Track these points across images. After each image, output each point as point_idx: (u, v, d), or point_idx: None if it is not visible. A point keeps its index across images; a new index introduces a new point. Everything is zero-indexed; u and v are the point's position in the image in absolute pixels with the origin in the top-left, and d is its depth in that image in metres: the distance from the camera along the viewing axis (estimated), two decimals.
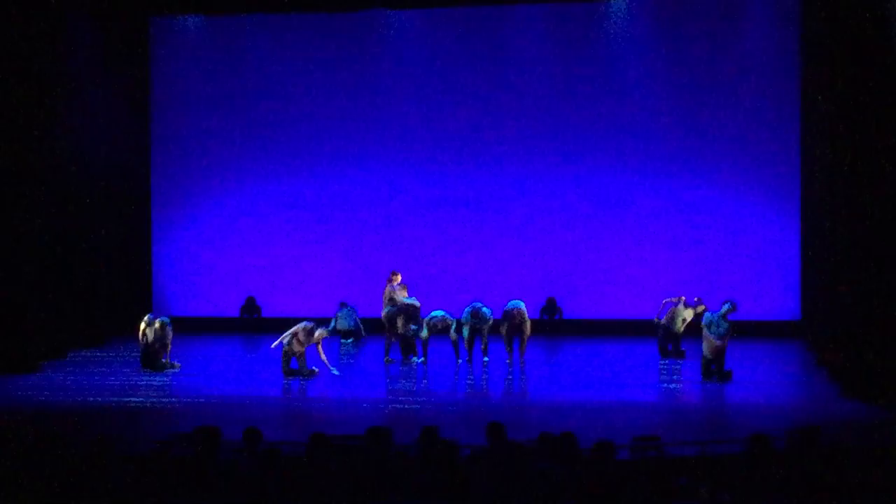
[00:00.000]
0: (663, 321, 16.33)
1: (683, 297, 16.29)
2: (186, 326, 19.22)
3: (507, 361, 16.23)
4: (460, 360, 16.26)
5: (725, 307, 14.75)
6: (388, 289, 16.82)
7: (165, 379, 15.50)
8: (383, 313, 16.62)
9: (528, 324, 16.17)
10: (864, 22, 13.11)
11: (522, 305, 16.18)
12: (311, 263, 20.12)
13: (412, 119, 19.89)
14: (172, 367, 16.09)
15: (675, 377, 15.35)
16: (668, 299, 16.41)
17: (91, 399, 14.10)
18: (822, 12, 15.28)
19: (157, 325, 16.07)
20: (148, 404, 13.88)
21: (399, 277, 16.91)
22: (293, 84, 20.09)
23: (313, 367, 15.37)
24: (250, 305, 20.35)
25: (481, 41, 19.69)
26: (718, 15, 19.01)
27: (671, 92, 19.22)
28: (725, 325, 14.61)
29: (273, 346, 15.51)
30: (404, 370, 16.15)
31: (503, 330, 16.13)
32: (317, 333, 15.32)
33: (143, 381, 15.34)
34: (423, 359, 16.37)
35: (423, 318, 16.32)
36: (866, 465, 7.97)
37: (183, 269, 20.54)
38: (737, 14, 19.00)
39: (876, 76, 12.98)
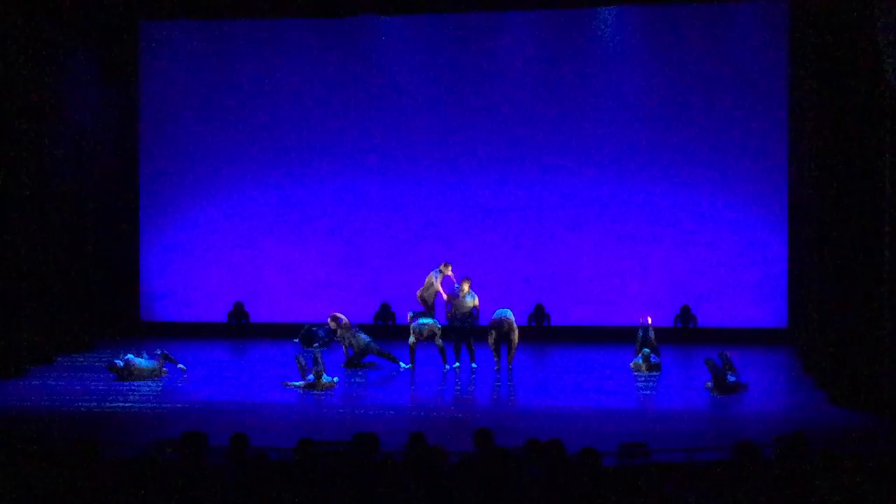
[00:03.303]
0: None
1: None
2: (174, 332, 19.21)
3: (495, 368, 16.23)
4: (447, 367, 16.25)
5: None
6: (433, 274, 16.77)
7: (152, 384, 15.44)
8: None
9: (517, 332, 16.15)
10: (852, 33, 13.16)
11: (510, 314, 16.16)
12: (298, 269, 20.08)
13: (401, 125, 19.88)
14: (154, 374, 15.81)
15: (661, 384, 15.36)
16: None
17: (77, 404, 14.06)
18: (811, 22, 15.32)
19: (153, 369, 15.80)
20: (134, 410, 13.84)
21: (449, 268, 16.85)
22: (283, 90, 20.07)
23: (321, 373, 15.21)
24: (238, 311, 20.31)
25: (471, 48, 19.69)
26: (707, 24, 19.04)
27: (659, 100, 19.24)
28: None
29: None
30: (391, 376, 16.13)
31: (491, 340, 16.11)
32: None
33: (129, 386, 15.29)
34: (409, 365, 16.36)
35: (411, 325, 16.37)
36: (853, 472, 7.98)
37: (171, 274, 20.49)
38: (726, 23, 19.03)
39: (862, 86, 13.03)
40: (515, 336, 16.08)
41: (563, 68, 19.51)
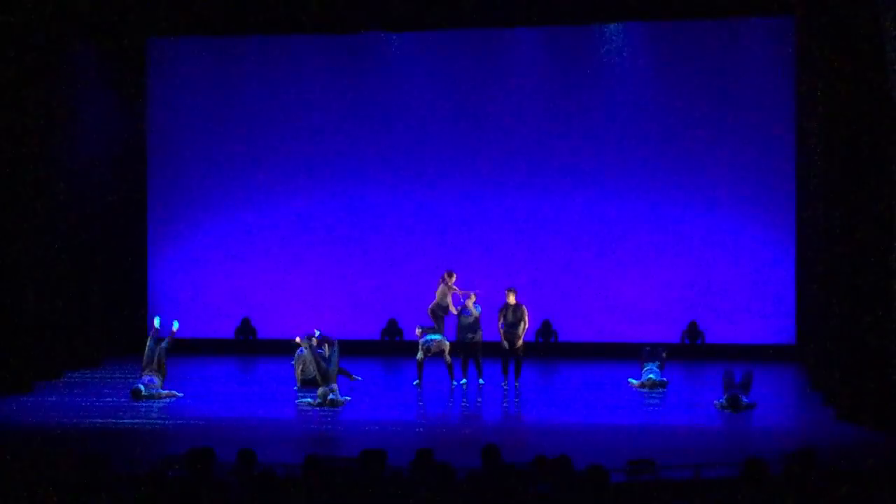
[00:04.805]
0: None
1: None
2: (181, 348, 19.17)
3: (502, 384, 16.23)
4: (455, 383, 16.25)
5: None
6: (442, 288, 16.73)
7: (160, 401, 15.40)
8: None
9: (526, 324, 16.31)
10: (859, 49, 13.17)
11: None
12: (306, 285, 20.10)
13: (409, 141, 19.93)
14: (171, 395, 15.73)
15: (669, 401, 15.33)
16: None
17: (85, 420, 14.06)
18: (818, 38, 15.34)
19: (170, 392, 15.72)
20: (142, 426, 13.85)
21: (454, 277, 16.84)
22: (291, 106, 20.12)
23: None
24: (245, 327, 20.32)
25: (479, 64, 19.75)
26: (715, 40, 19.08)
27: (667, 116, 19.27)
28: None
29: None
30: (398, 393, 16.12)
31: (500, 321, 16.13)
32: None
33: (137, 402, 15.27)
34: (417, 381, 16.35)
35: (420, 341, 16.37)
36: (861, 489, 7.96)
37: (178, 290, 20.51)
38: (733, 39, 19.05)
39: (870, 103, 13.02)
40: (523, 327, 16.18)
41: (570, 84, 19.55)
